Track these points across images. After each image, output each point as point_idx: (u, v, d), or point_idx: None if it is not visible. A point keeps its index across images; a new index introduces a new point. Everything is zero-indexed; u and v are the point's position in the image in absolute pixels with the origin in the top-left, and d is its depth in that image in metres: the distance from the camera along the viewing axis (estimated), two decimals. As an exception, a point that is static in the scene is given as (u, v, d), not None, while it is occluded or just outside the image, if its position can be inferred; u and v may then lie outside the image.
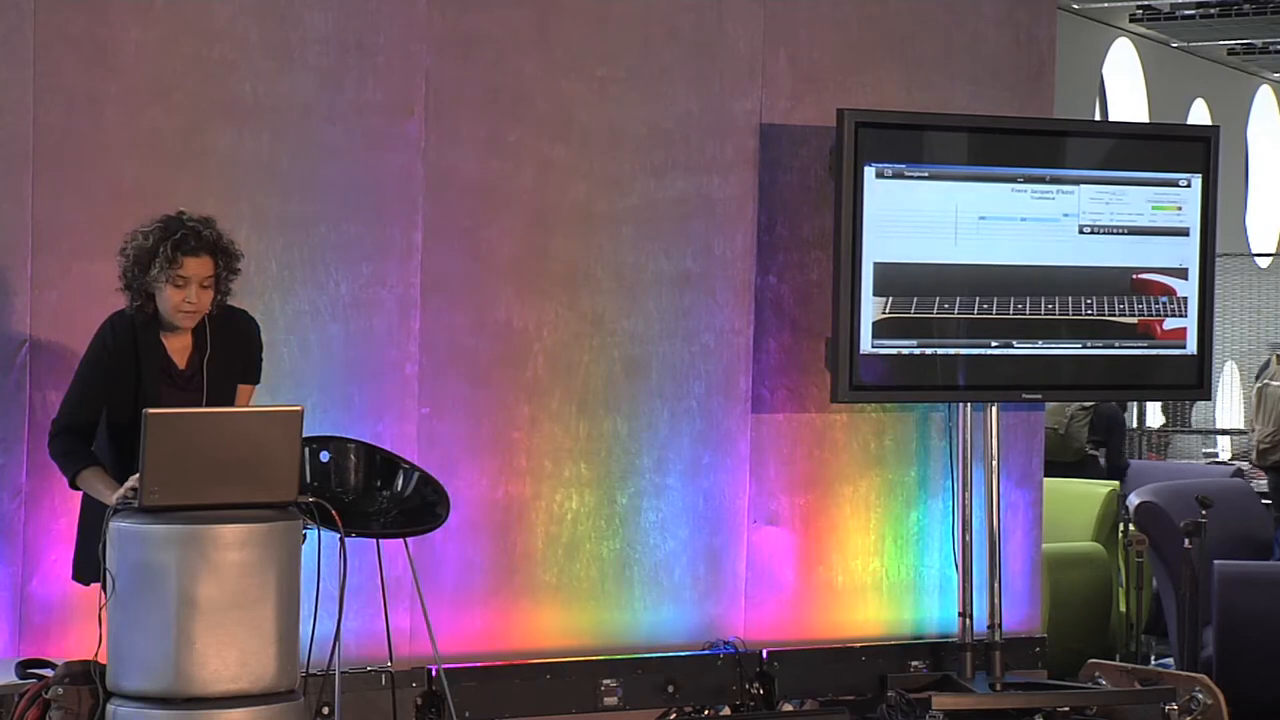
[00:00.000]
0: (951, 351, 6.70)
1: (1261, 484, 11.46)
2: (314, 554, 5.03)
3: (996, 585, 6.76)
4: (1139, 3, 16.27)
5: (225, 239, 5.10)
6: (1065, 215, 6.81)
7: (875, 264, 6.56)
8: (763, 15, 6.68)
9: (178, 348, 5.14)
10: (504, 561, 6.29)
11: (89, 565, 4.97)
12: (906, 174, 6.62)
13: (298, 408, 4.90)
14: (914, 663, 6.81)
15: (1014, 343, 6.78)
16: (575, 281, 6.40)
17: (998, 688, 6.67)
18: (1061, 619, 7.52)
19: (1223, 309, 14.76)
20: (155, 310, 5.09)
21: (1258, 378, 12.44)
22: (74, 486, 5.07)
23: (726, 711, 6.55)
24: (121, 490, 4.80)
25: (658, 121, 6.53)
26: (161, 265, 4.99)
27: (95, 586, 4.89)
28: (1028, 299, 6.78)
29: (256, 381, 5.33)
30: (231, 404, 5.19)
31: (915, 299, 6.64)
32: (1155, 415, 16.56)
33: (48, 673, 4.96)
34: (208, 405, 5.10)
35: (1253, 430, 12.09)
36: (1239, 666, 7.00)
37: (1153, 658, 7.92)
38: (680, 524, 6.56)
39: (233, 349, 5.23)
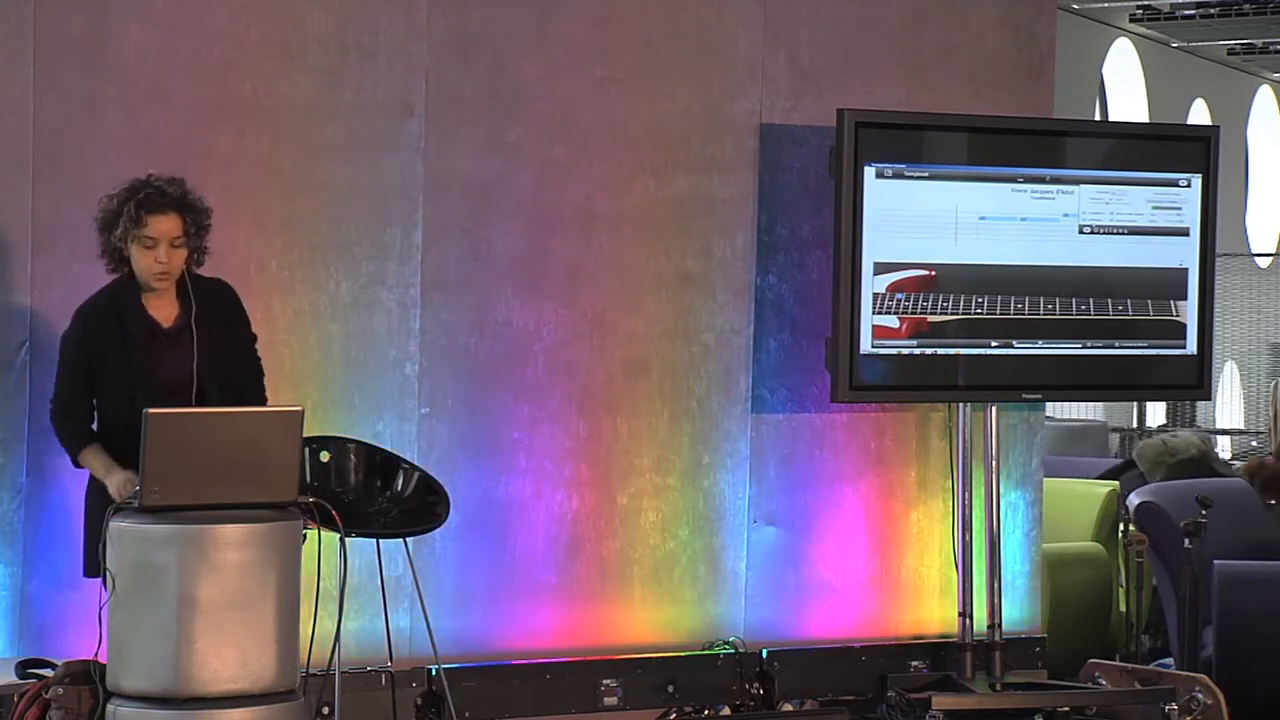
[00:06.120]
0: (951, 351, 6.70)
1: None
2: (314, 554, 5.03)
3: (996, 585, 6.76)
4: (1139, 3, 16.24)
5: (192, 196, 5.12)
6: (1065, 215, 6.81)
7: (875, 264, 6.57)
8: (763, 15, 6.68)
9: (161, 305, 5.15)
10: (504, 561, 6.29)
11: (98, 560, 4.97)
12: (906, 174, 6.62)
13: (298, 408, 4.90)
14: (914, 663, 6.80)
15: (1014, 343, 6.78)
16: (575, 281, 6.40)
17: (998, 688, 6.67)
18: (1061, 619, 7.52)
19: (1223, 309, 14.71)
20: (132, 273, 5.12)
21: None
22: (76, 465, 5.10)
23: (726, 711, 6.55)
24: (117, 480, 4.82)
25: (658, 121, 6.52)
26: (127, 225, 5.03)
27: (95, 586, 4.89)
28: (1027, 299, 6.78)
29: (252, 340, 5.33)
30: (224, 363, 5.19)
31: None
32: (1156, 415, 16.53)
33: (48, 673, 4.96)
34: (199, 362, 5.11)
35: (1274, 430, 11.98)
36: (1239, 666, 6.99)
37: (1153, 658, 7.91)
38: (680, 524, 6.56)
39: (216, 308, 5.23)
